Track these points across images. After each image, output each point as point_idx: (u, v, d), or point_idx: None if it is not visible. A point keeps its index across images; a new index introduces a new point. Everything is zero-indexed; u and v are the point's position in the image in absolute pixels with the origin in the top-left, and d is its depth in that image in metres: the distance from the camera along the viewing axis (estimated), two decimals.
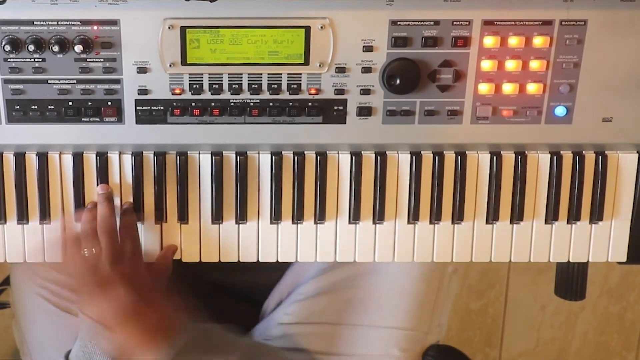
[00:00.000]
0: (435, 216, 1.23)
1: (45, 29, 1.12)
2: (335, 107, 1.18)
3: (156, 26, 1.13)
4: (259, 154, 1.21)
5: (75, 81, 1.15)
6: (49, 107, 1.16)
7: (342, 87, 1.17)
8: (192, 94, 1.16)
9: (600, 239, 1.26)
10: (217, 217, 1.22)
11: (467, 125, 1.20)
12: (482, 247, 1.25)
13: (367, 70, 1.16)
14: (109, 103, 1.16)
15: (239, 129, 1.18)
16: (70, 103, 1.16)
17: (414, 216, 1.23)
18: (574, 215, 1.24)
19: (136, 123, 1.17)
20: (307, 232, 1.23)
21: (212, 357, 1.20)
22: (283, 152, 1.21)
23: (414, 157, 1.21)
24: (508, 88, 1.18)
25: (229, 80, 1.16)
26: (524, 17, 1.15)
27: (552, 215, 1.24)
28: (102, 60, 1.14)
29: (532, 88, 1.18)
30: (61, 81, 1.15)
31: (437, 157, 1.21)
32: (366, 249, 1.24)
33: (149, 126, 1.18)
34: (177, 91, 1.16)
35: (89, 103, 1.16)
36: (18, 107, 1.16)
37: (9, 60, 1.14)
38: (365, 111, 1.18)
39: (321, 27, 1.14)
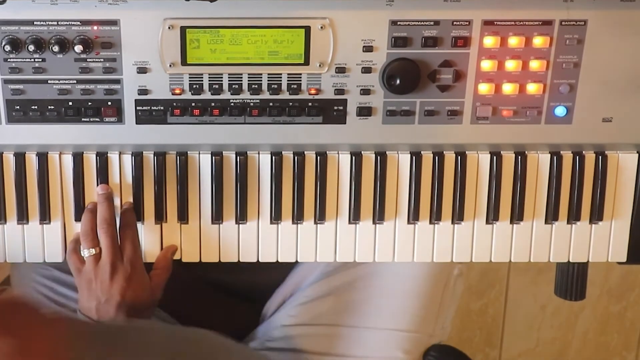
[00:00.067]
0: (435, 216, 1.23)
1: (45, 29, 1.12)
2: (335, 107, 1.18)
3: (156, 26, 1.13)
4: (259, 154, 1.21)
5: (75, 81, 1.15)
6: (49, 107, 1.16)
7: (342, 87, 1.17)
8: (192, 94, 1.16)
9: (600, 239, 1.26)
10: (217, 217, 1.22)
11: (467, 125, 1.20)
12: (482, 247, 1.25)
13: (367, 70, 1.16)
14: (109, 103, 1.16)
15: (239, 129, 1.18)
16: (70, 103, 1.16)
17: (414, 216, 1.23)
18: (574, 215, 1.24)
19: (136, 123, 1.17)
20: (307, 232, 1.23)
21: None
22: (283, 152, 1.21)
23: (414, 157, 1.21)
24: (508, 88, 1.18)
25: (229, 80, 1.16)
26: (524, 17, 1.15)
27: (552, 215, 1.24)
28: (102, 60, 1.14)
29: (532, 88, 1.18)
30: (61, 81, 1.15)
31: (437, 157, 1.22)
32: (366, 249, 1.24)
33: (149, 126, 1.18)
34: (177, 91, 1.16)
35: (89, 103, 1.16)
36: (18, 107, 1.16)
37: (9, 60, 1.14)
38: (365, 111, 1.18)
39: (321, 27, 1.14)
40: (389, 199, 1.22)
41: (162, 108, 1.17)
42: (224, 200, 1.21)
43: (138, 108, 1.17)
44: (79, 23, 1.12)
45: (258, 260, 1.24)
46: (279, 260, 1.24)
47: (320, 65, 1.16)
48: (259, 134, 1.19)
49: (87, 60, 1.14)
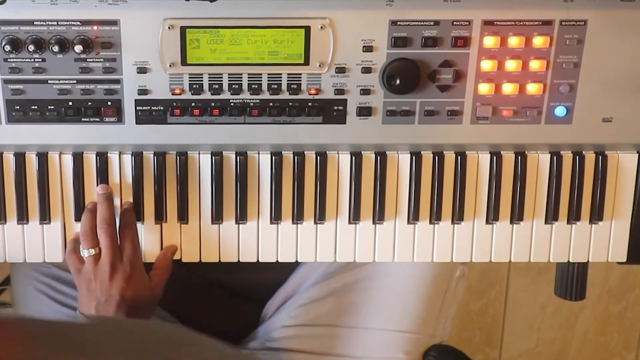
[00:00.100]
0: (435, 216, 1.23)
1: (45, 29, 1.12)
2: (335, 107, 1.18)
3: (156, 26, 1.13)
4: (259, 154, 1.21)
5: (75, 81, 1.15)
6: (49, 107, 1.16)
7: (342, 87, 1.17)
8: (192, 94, 1.16)
9: (600, 239, 1.26)
10: (217, 217, 1.22)
11: (467, 125, 1.20)
12: (482, 247, 1.25)
13: (367, 70, 1.16)
14: (109, 103, 1.16)
15: (239, 129, 1.18)
16: (70, 103, 1.16)
17: (414, 216, 1.23)
18: (574, 215, 1.24)
19: (136, 123, 1.17)
20: (307, 232, 1.23)
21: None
22: (283, 152, 1.21)
23: (414, 157, 1.21)
24: (508, 88, 1.18)
25: (229, 80, 1.16)
26: (524, 17, 1.15)
27: (552, 215, 1.24)
28: (102, 60, 1.14)
29: (532, 88, 1.18)
30: (61, 81, 1.15)
31: (437, 157, 1.21)
32: (366, 249, 1.24)
33: (149, 126, 1.18)
34: (177, 91, 1.16)
35: (89, 103, 1.16)
36: (18, 107, 1.16)
37: (9, 60, 1.14)
38: (365, 111, 1.18)
39: (321, 27, 1.14)
40: (389, 199, 1.22)
41: (162, 108, 1.17)
42: (224, 200, 1.21)
43: (138, 108, 1.17)
44: (79, 23, 1.12)
45: (258, 260, 1.24)
46: (279, 260, 1.24)
47: (320, 65, 1.16)
48: (259, 134, 1.19)
49: (87, 60, 1.14)
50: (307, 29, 1.14)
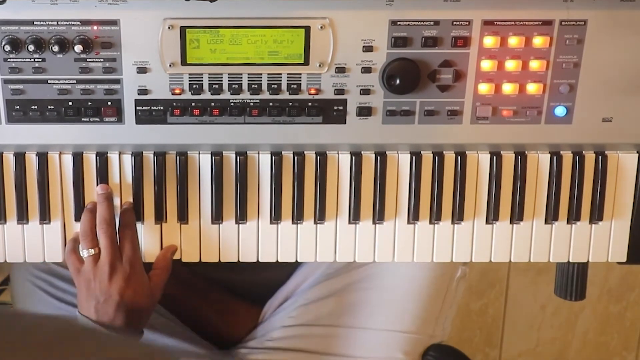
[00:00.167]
0: (435, 216, 1.23)
1: (45, 29, 1.12)
2: (335, 107, 1.18)
3: (156, 26, 1.13)
4: (259, 154, 1.21)
5: (75, 81, 1.15)
6: (49, 107, 1.16)
7: (342, 87, 1.17)
8: (192, 94, 1.16)
9: (600, 239, 1.26)
10: (217, 217, 1.22)
11: (467, 125, 1.20)
12: (482, 247, 1.25)
13: (367, 70, 1.16)
14: (109, 103, 1.16)
15: (239, 129, 1.18)
16: (70, 103, 1.16)
17: (413, 216, 1.23)
18: (574, 215, 1.24)
19: (136, 123, 1.17)
20: (307, 232, 1.23)
21: None
22: (283, 152, 1.21)
23: (414, 157, 1.21)
24: (508, 88, 1.18)
25: (229, 80, 1.16)
26: (524, 17, 1.15)
27: (552, 215, 1.24)
28: (102, 60, 1.14)
29: (532, 88, 1.18)
30: (61, 81, 1.15)
31: (437, 157, 1.21)
32: (366, 249, 1.24)
33: (149, 126, 1.18)
34: (177, 91, 1.16)
35: (89, 103, 1.16)
36: (18, 107, 1.16)
37: (9, 60, 1.14)
38: (365, 111, 1.18)
39: (321, 27, 1.14)
40: (389, 199, 1.22)
41: (162, 108, 1.17)
42: (224, 200, 1.21)
43: (138, 108, 1.17)
44: (78, 23, 1.12)
45: (258, 260, 1.24)
46: (279, 260, 1.24)
47: (320, 65, 1.16)
48: (259, 134, 1.19)
49: (87, 60, 1.14)
50: (307, 29, 1.14)
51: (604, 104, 1.19)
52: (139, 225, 1.21)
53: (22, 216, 1.20)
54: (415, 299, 1.35)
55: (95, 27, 1.13)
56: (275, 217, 1.22)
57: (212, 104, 1.17)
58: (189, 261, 1.24)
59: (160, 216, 1.22)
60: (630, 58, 1.17)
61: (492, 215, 1.23)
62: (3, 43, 1.12)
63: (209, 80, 1.16)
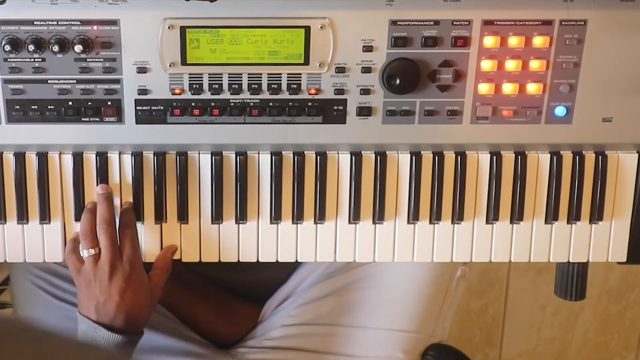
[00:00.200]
0: (435, 216, 1.23)
1: (45, 29, 1.12)
2: (335, 107, 1.18)
3: (156, 26, 1.13)
4: (259, 154, 1.21)
5: (75, 81, 1.15)
6: (49, 107, 1.16)
7: (342, 87, 1.17)
8: (192, 94, 1.16)
9: (600, 239, 1.26)
10: (217, 217, 1.22)
11: (467, 125, 1.20)
12: (482, 247, 1.25)
13: (367, 70, 1.16)
14: (109, 103, 1.16)
15: (239, 129, 1.18)
16: (70, 103, 1.16)
17: (413, 216, 1.23)
18: (574, 215, 1.24)
19: (136, 123, 1.17)
20: (307, 232, 1.23)
21: None
22: (283, 152, 1.21)
23: (414, 157, 1.21)
24: (508, 88, 1.18)
25: (229, 80, 1.16)
26: (524, 17, 1.15)
27: (552, 215, 1.24)
28: (102, 60, 1.14)
29: (532, 88, 1.18)
30: (61, 81, 1.15)
31: (437, 157, 1.21)
32: (366, 249, 1.24)
33: (149, 126, 1.18)
34: (177, 91, 1.16)
35: (89, 103, 1.16)
36: (18, 107, 1.16)
37: (9, 60, 1.14)
38: (365, 111, 1.18)
39: (321, 27, 1.14)
40: (388, 199, 1.22)
41: (162, 108, 1.17)
42: (224, 200, 1.21)
43: (138, 108, 1.17)
44: (78, 23, 1.12)
45: (258, 260, 1.24)
46: (279, 260, 1.24)
47: (320, 65, 1.16)
48: (259, 134, 1.19)
49: (87, 60, 1.14)
50: (307, 29, 1.14)
51: (604, 104, 1.19)
52: (139, 225, 1.21)
53: (22, 216, 1.20)
54: (415, 299, 1.35)
55: (95, 27, 1.13)
56: (275, 217, 1.22)
57: (212, 104, 1.17)
58: (189, 261, 1.24)
59: (160, 216, 1.22)
60: (630, 58, 1.17)
61: (492, 215, 1.23)
62: (3, 43, 1.12)
63: (209, 80, 1.16)
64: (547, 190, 1.24)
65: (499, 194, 1.23)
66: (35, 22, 1.12)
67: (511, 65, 1.17)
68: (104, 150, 1.20)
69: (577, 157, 1.23)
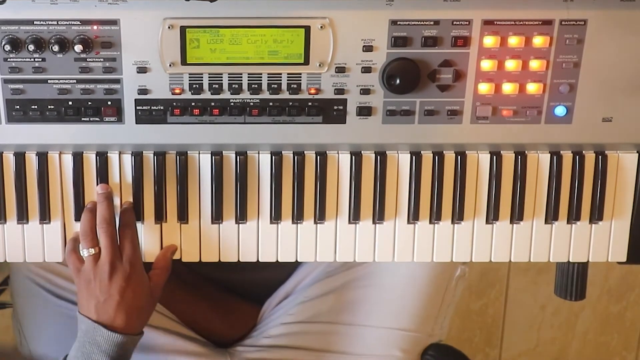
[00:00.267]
0: (435, 216, 1.23)
1: (45, 29, 1.12)
2: (335, 107, 1.18)
3: (156, 26, 1.13)
4: (259, 153, 1.21)
5: (75, 81, 1.15)
6: (49, 107, 1.16)
7: (342, 87, 1.17)
8: (192, 94, 1.16)
9: (600, 239, 1.26)
10: (217, 217, 1.22)
11: (467, 125, 1.20)
12: (482, 247, 1.25)
13: (367, 70, 1.16)
14: (109, 103, 1.16)
15: (239, 128, 1.18)
16: (70, 103, 1.16)
17: (413, 216, 1.23)
18: (574, 215, 1.24)
19: (136, 123, 1.17)
20: (307, 232, 1.23)
21: None
22: (283, 152, 1.21)
23: (414, 157, 1.21)
24: (508, 88, 1.18)
25: (229, 80, 1.16)
26: (524, 17, 1.15)
27: (552, 215, 1.24)
28: (102, 60, 1.14)
29: (532, 88, 1.18)
30: (61, 81, 1.15)
31: (437, 157, 1.21)
32: (366, 249, 1.24)
33: (149, 126, 1.18)
34: (177, 91, 1.16)
35: (89, 103, 1.16)
36: (18, 107, 1.16)
37: (9, 60, 1.14)
38: (365, 111, 1.18)
39: (321, 27, 1.14)
40: (388, 198, 1.22)
41: (162, 108, 1.17)
42: (224, 200, 1.21)
43: (138, 108, 1.17)
44: (78, 23, 1.12)
45: (258, 260, 1.24)
46: (279, 260, 1.24)
47: (320, 65, 1.16)
48: (259, 134, 1.19)
49: (87, 60, 1.14)
50: (307, 29, 1.14)
51: (604, 104, 1.19)
52: (139, 225, 1.21)
53: (22, 216, 1.20)
54: (414, 298, 1.35)
55: (95, 27, 1.13)
56: (275, 217, 1.22)
57: (212, 104, 1.17)
58: (189, 261, 1.24)
59: (160, 216, 1.22)
60: (630, 58, 1.17)
61: (492, 215, 1.23)
62: (3, 43, 1.12)
63: (209, 80, 1.16)
64: (547, 190, 1.24)
65: (499, 194, 1.23)
66: (35, 22, 1.12)
67: (511, 65, 1.17)
68: (104, 150, 1.20)
69: (577, 157, 1.23)
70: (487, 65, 1.17)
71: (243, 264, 1.25)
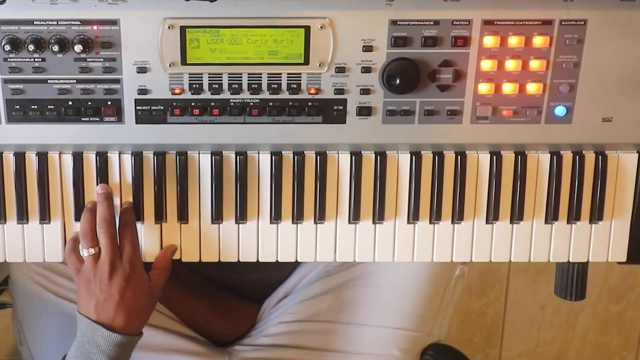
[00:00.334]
0: (435, 216, 1.23)
1: (45, 29, 1.12)
2: (335, 107, 1.18)
3: (156, 26, 1.13)
4: (258, 153, 1.21)
5: (75, 81, 1.15)
6: (49, 107, 1.16)
7: (342, 87, 1.17)
8: (192, 94, 1.16)
9: (600, 239, 1.26)
10: (217, 217, 1.22)
11: (467, 125, 1.20)
12: (482, 247, 1.25)
13: (367, 70, 1.16)
14: (109, 103, 1.16)
15: (239, 128, 1.18)
16: (70, 103, 1.16)
17: (413, 216, 1.23)
18: (574, 215, 1.24)
19: (136, 123, 1.17)
20: (307, 232, 1.23)
21: None
22: (283, 152, 1.21)
23: (414, 157, 1.21)
24: (508, 88, 1.18)
25: (228, 80, 1.16)
26: (524, 17, 1.15)
27: (552, 215, 1.24)
28: (102, 60, 1.14)
29: (532, 88, 1.18)
30: (61, 81, 1.15)
31: (437, 157, 1.21)
32: (366, 249, 1.24)
33: (149, 126, 1.18)
34: (177, 91, 1.16)
35: (89, 103, 1.16)
36: (18, 107, 1.16)
37: (9, 60, 1.14)
38: (365, 111, 1.18)
39: (321, 27, 1.14)
40: (388, 198, 1.22)
41: (162, 108, 1.17)
42: (224, 200, 1.21)
43: (138, 108, 1.17)
44: (78, 23, 1.12)
45: (258, 260, 1.24)
46: (279, 260, 1.24)
47: (320, 65, 1.16)
48: (259, 134, 1.19)
49: (87, 60, 1.14)
50: (307, 29, 1.14)
51: (604, 104, 1.19)
52: (139, 225, 1.21)
53: (22, 216, 1.20)
54: (413, 297, 1.35)
55: (95, 27, 1.13)
56: (275, 217, 1.22)
57: (212, 104, 1.17)
58: (188, 261, 1.24)
59: (160, 216, 1.22)
60: (630, 58, 1.17)
61: (492, 215, 1.23)
62: (3, 43, 1.12)
63: (209, 80, 1.16)
64: (547, 190, 1.24)
65: (499, 194, 1.23)
66: (35, 22, 1.12)
67: (511, 65, 1.17)
68: (104, 150, 1.20)
69: (577, 157, 1.23)
70: (487, 65, 1.17)
71: (243, 263, 1.25)
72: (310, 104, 1.17)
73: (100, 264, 1.16)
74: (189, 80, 1.16)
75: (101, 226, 1.17)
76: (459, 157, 1.22)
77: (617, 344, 2.28)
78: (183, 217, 1.22)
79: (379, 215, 1.22)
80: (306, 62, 1.15)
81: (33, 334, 1.36)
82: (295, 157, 1.21)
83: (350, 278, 1.37)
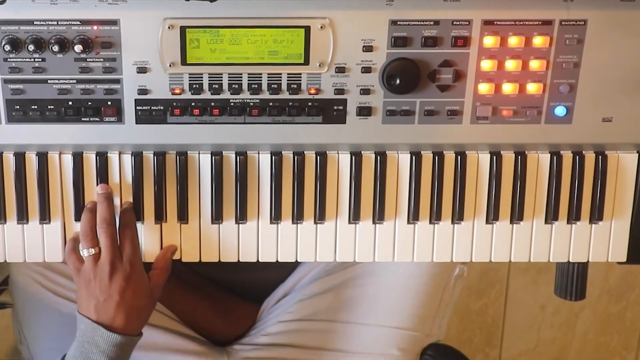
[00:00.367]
0: (435, 216, 1.23)
1: (45, 29, 1.12)
2: (335, 107, 1.18)
3: (156, 26, 1.13)
4: (258, 153, 1.21)
5: (75, 81, 1.15)
6: (49, 107, 1.16)
7: (342, 87, 1.17)
8: (192, 94, 1.16)
9: (600, 239, 1.26)
10: (217, 217, 1.22)
11: (467, 125, 1.20)
12: (482, 247, 1.25)
13: (367, 70, 1.16)
14: (109, 103, 1.16)
15: (239, 128, 1.18)
16: (70, 103, 1.16)
17: (413, 216, 1.23)
18: (574, 215, 1.24)
19: (136, 123, 1.17)
20: (307, 232, 1.23)
21: None
22: (283, 152, 1.21)
23: (414, 157, 1.21)
24: (508, 88, 1.18)
25: (228, 80, 1.16)
26: (524, 17, 1.15)
27: (552, 215, 1.24)
28: (102, 60, 1.14)
29: (532, 88, 1.18)
30: (61, 81, 1.15)
31: (437, 157, 1.21)
32: (366, 249, 1.24)
33: (149, 126, 1.18)
34: (177, 91, 1.16)
35: (89, 103, 1.16)
36: (18, 107, 1.16)
37: (9, 60, 1.14)
38: (365, 111, 1.18)
39: (321, 27, 1.14)
40: (388, 198, 1.22)
41: (162, 108, 1.17)
42: (224, 200, 1.21)
43: (138, 108, 1.17)
44: (78, 23, 1.12)
45: (258, 260, 1.24)
46: (279, 260, 1.24)
47: (320, 65, 1.16)
48: (259, 134, 1.19)
49: (87, 60, 1.14)
50: (307, 29, 1.14)
51: (604, 104, 1.19)
52: (139, 225, 1.21)
53: (22, 216, 1.20)
54: (412, 297, 1.35)
55: (95, 27, 1.13)
56: (275, 217, 1.22)
57: (212, 104, 1.17)
58: (188, 261, 1.24)
59: (160, 216, 1.22)
60: (630, 58, 1.17)
61: (492, 215, 1.23)
62: (3, 43, 1.12)
63: (209, 80, 1.16)
64: (547, 190, 1.24)
65: (499, 194, 1.23)
66: (35, 22, 1.12)
67: (511, 65, 1.17)
68: (104, 150, 1.20)
69: (577, 157, 1.23)
70: (487, 65, 1.17)
71: (243, 263, 1.25)
72: (310, 104, 1.17)
73: (101, 264, 1.16)
74: (189, 81, 1.16)
75: (101, 226, 1.17)
76: (459, 157, 1.22)
77: (617, 344, 2.28)
78: (183, 217, 1.22)
79: (379, 216, 1.22)
80: (306, 62, 1.15)
81: (33, 334, 1.36)
82: (295, 157, 1.21)
83: (350, 277, 1.37)
